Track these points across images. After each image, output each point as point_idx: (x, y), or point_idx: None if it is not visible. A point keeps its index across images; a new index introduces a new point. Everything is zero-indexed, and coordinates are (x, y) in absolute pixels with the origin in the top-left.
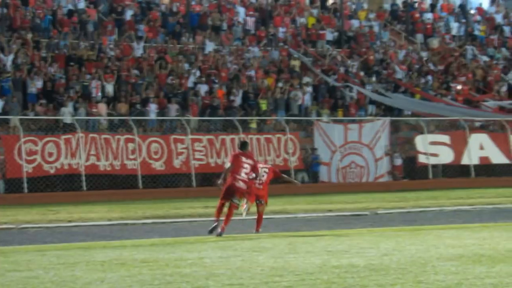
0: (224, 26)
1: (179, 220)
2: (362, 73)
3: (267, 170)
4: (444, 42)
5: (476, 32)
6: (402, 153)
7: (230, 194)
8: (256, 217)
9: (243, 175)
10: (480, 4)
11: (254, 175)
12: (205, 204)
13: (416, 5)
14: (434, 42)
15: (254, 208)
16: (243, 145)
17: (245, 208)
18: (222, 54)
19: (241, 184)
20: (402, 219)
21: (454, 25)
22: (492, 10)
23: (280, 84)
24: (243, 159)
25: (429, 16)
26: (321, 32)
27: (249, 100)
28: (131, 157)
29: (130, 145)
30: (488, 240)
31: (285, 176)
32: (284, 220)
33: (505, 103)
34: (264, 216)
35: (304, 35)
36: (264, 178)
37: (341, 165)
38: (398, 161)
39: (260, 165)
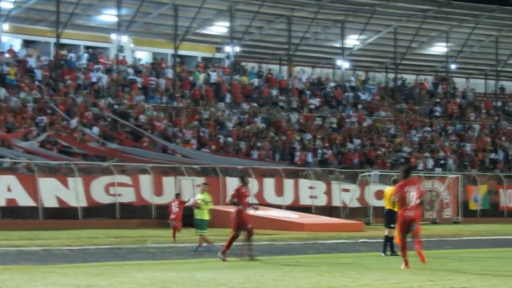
0: None
1: None
2: None
3: None
4: None
5: (6, 75)
6: None
7: None
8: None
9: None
10: (12, 46)
11: None
12: None
13: None
14: None
15: None
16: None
17: None
18: None
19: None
20: None
21: None
22: (24, 53)
23: None
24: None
25: None
26: None
27: None
28: None
29: None
30: (9, 282)
31: None
32: None
33: (32, 144)
34: None
35: None
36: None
37: None
38: None
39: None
